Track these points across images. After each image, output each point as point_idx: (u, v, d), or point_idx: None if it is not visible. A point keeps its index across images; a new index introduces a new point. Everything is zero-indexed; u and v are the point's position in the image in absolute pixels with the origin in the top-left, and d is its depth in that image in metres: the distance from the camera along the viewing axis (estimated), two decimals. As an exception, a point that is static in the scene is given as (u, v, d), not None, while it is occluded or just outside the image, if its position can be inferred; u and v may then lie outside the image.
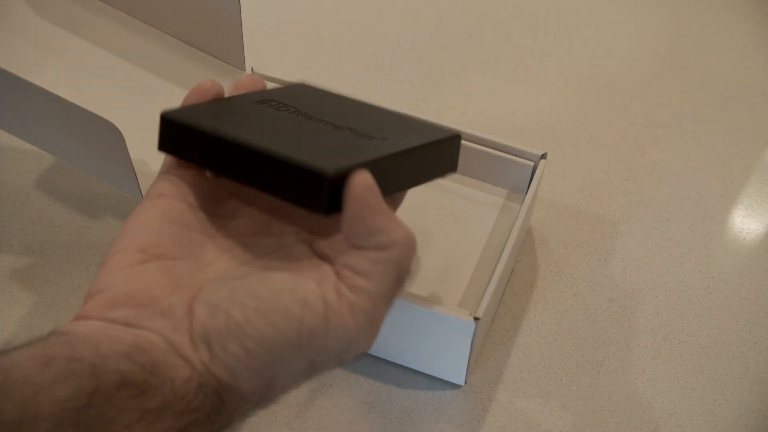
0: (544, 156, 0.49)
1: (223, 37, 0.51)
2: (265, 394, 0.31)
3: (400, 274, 0.31)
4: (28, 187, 0.54)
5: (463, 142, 0.50)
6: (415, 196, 0.51)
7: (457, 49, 0.66)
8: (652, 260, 0.52)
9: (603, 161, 0.58)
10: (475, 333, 0.42)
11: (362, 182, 0.31)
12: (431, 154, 0.36)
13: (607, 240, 0.53)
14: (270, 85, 0.43)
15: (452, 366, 0.45)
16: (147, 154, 0.48)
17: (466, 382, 0.46)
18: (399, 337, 0.45)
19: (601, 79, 0.64)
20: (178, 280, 0.32)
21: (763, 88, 0.63)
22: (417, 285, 0.46)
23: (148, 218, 0.33)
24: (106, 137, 0.42)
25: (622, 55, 0.66)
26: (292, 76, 0.52)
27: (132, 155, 0.43)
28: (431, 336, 0.44)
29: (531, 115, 0.61)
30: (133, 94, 0.51)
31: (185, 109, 0.35)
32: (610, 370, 0.47)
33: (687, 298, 0.51)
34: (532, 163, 0.49)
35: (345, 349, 0.31)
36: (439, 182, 0.51)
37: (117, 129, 0.41)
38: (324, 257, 0.33)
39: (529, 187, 0.49)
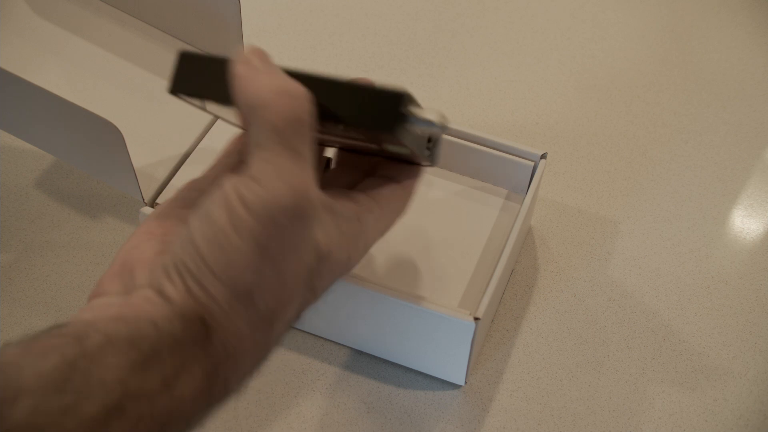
0: (544, 156, 0.49)
1: (223, 37, 0.51)
2: (247, 310, 0.30)
3: (278, 129, 0.30)
4: (28, 187, 0.54)
5: (463, 141, 0.50)
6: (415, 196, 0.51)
7: (457, 49, 0.65)
8: (652, 260, 0.52)
9: (603, 161, 0.58)
10: (475, 333, 0.42)
11: (237, 59, 0.32)
12: (351, 95, 0.33)
13: (608, 240, 0.53)
14: None
15: (452, 366, 0.45)
16: (147, 153, 0.48)
17: (466, 383, 0.46)
18: (399, 338, 0.45)
19: (601, 79, 0.64)
20: (170, 245, 0.32)
21: (763, 88, 0.63)
22: (417, 285, 0.46)
23: (159, 209, 0.35)
24: (105, 137, 0.42)
25: (622, 54, 0.66)
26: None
27: (131, 155, 0.43)
28: (431, 336, 0.44)
29: (531, 114, 0.61)
30: (133, 94, 0.51)
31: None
32: (611, 370, 0.47)
33: (687, 298, 0.51)
34: (532, 163, 0.49)
35: (274, 222, 0.30)
36: (439, 182, 0.51)
37: (117, 129, 0.41)
38: None
39: (529, 187, 0.49)
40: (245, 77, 0.31)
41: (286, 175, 0.30)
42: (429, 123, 0.34)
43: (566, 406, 0.46)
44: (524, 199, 0.48)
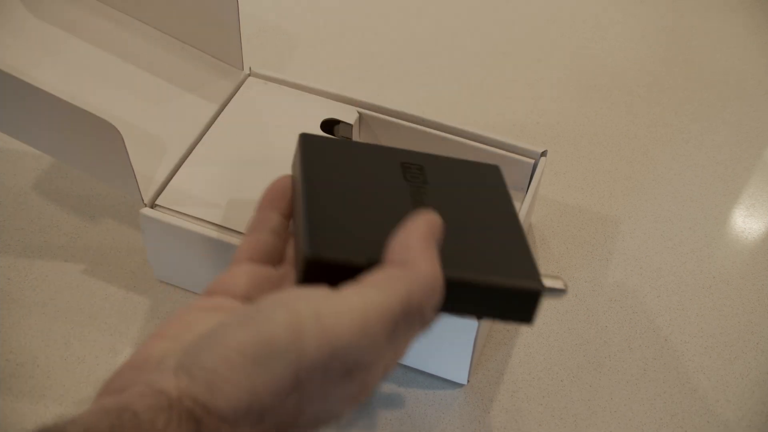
0: (544, 153, 0.49)
1: (220, 36, 0.51)
2: (251, 428, 0.29)
3: (404, 301, 0.29)
4: (27, 186, 0.54)
5: (463, 140, 0.50)
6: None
7: (458, 49, 0.65)
8: (653, 260, 0.52)
9: (605, 160, 0.58)
10: (478, 331, 0.42)
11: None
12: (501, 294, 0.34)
13: (609, 240, 0.53)
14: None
15: (455, 365, 0.45)
16: (146, 154, 0.48)
17: (468, 381, 0.46)
18: None
19: (602, 79, 0.63)
20: (186, 343, 0.30)
21: (764, 88, 0.63)
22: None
23: (181, 309, 0.33)
24: (104, 138, 0.42)
25: (623, 54, 0.65)
26: (292, 76, 0.52)
27: (130, 156, 0.42)
28: (434, 335, 0.43)
29: (532, 114, 0.61)
30: (131, 94, 0.51)
31: (327, 231, 0.34)
32: (612, 370, 0.47)
33: (688, 298, 0.50)
34: (532, 161, 0.49)
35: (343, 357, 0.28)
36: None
37: (115, 129, 0.41)
38: None
39: (529, 184, 0.49)
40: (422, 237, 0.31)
41: (371, 324, 0.29)
42: (558, 292, 0.35)
43: (567, 406, 0.45)
44: (525, 196, 0.48)
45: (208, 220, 0.45)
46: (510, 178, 0.50)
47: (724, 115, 0.61)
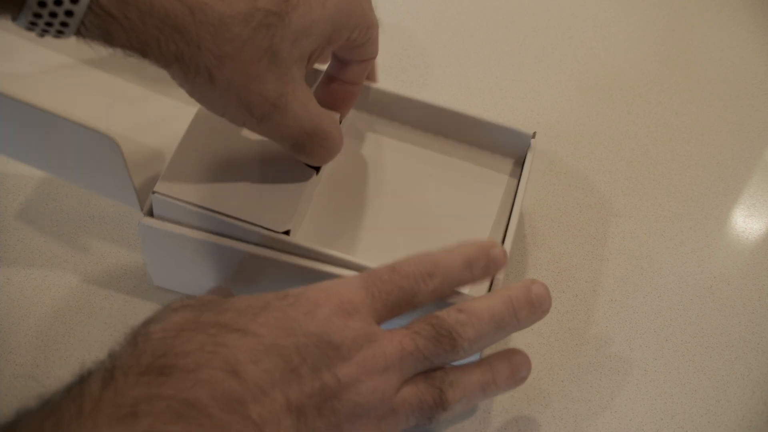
0: (533, 136, 0.49)
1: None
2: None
3: None
4: (27, 187, 0.54)
5: (455, 131, 0.50)
6: (408, 183, 0.50)
7: (457, 47, 0.65)
8: (654, 260, 0.52)
9: (605, 160, 0.58)
10: None
11: None
12: None
13: (609, 240, 0.53)
14: None
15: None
16: (144, 165, 0.47)
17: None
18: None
19: (602, 78, 0.63)
20: None
21: (765, 87, 0.63)
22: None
23: None
24: (101, 150, 0.41)
25: (623, 54, 0.65)
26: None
27: (129, 167, 0.42)
28: None
29: (532, 114, 0.61)
30: (127, 104, 0.50)
31: None
32: (612, 371, 0.47)
33: (689, 298, 0.50)
34: (528, 136, 0.49)
35: None
36: (430, 171, 0.51)
37: (114, 141, 0.40)
38: None
39: (522, 169, 0.49)
40: None
41: None
42: None
43: (568, 407, 0.45)
44: (518, 182, 0.47)
45: (208, 226, 0.45)
46: (507, 150, 0.50)
47: (725, 114, 0.61)
